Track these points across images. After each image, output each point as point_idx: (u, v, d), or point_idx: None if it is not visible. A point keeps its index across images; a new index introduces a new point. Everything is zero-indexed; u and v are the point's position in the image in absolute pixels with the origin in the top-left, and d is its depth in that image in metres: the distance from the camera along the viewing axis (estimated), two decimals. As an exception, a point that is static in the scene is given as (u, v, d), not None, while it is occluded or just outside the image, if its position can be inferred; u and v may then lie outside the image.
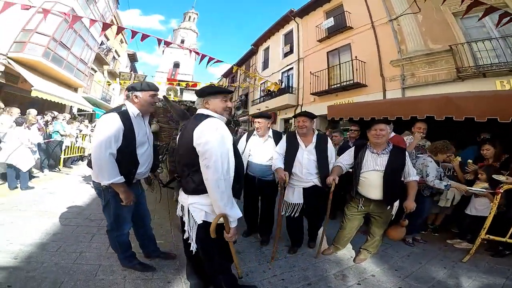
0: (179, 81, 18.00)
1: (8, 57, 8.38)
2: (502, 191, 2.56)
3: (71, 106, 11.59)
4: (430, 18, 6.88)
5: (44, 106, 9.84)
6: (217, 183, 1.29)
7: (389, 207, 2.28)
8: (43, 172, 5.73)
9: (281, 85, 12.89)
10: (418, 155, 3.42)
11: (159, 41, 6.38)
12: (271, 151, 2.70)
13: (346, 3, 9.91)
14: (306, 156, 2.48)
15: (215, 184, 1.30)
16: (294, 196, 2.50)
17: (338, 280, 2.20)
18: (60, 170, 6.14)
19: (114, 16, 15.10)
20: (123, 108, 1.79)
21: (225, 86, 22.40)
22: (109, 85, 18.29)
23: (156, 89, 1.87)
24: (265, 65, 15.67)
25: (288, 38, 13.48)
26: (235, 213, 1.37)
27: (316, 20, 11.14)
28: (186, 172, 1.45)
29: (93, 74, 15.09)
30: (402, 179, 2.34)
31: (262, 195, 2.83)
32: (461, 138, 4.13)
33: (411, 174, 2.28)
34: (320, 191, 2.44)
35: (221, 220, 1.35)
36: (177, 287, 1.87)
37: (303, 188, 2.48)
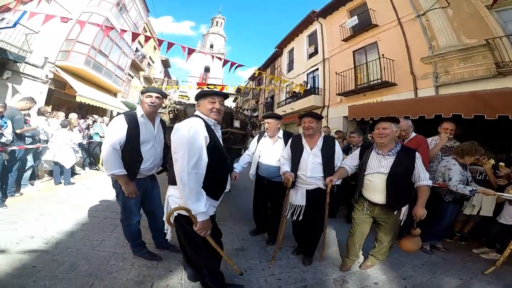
0: (208, 84, 18.81)
1: (56, 65, 9.23)
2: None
3: (111, 110, 12.62)
4: (461, 11, 6.32)
5: (89, 111, 11.02)
6: (181, 176, 1.38)
7: (396, 212, 2.12)
8: (84, 170, 6.45)
9: (306, 86, 12.70)
10: (444, 157, 3.16)
11: (183, 48, 6.72)
12: (280, 153, 2.70)
13: (370, 0, 9.51)
14: (311, 159, 2.39)
15: (179, 176, 1.39)
16: (297, 197, 2.45)
17: (337, 285, 2.14)
18: (99, 168, 6.77)
19: (146, 24, 16.10)
20: (133, 111, 2.03)
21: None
22: (145, 90, 19.81)
23: (153, 91, 2.05)
24: (290, 67, 15.54)
25: (312, 38, 13.24)
26: (196, 207, 1.38)
27: (340, 19, 10.84)
28: (170, 164, 1.60)
29: (130, 80, 16.40)
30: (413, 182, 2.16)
31: (271, 196, 2.85)
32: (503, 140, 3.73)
33: (422, 178, 2.07)
34: (323, 194, 2.34)
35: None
36: (176, 276, 2.01)
37: (307, 190, 2.41)
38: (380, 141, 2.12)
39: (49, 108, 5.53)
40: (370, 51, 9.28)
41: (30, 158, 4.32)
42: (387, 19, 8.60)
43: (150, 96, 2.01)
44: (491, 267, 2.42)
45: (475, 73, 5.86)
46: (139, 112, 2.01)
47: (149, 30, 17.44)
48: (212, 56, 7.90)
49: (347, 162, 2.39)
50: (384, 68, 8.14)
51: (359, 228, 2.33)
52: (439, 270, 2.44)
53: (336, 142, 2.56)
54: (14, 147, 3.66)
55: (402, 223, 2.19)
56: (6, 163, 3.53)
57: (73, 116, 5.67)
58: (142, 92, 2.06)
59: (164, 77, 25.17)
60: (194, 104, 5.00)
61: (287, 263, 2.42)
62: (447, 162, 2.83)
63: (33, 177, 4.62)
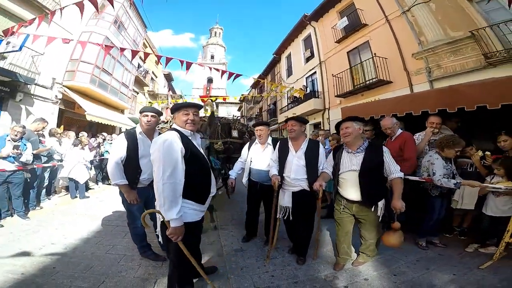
0: (210, 96, 19.30)
1: (64, 86, 9.46)
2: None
3: (120, 127, 12.88)
4: (442, 5, 6.46)
5: (99, 128, 11.47)
6: (157, 186, 1.53)
7: (373, 208, 2.17)
8: (97, 184, 6.84)
9: (306, 90, 12.84)
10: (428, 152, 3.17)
11: (181, 62, 6.98)
12: (269, 158, 2.84)
13: (357, 0, 9.73)
14: (295, 161, 2.51)
15: (156, 186, 1.55)
16: (285, 199, 2.56)
17: (327, 281, 2.20)
18: (110, 183, 7.18)
19: (145, 39, 16.49)
20: (134, 129, 2.33)
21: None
22: (151, 105, 20.36)
23: (148, 110, 2.34)
24: (289, 72, 15.72)
25: (308, 42, 13.46)
26: (168, 214, 1.52)
27: (331, 21, 11.04)
28: None
29: (135, 96, 16.93)
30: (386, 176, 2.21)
31: (265, 199, 2.97)
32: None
33: (392, 171, 2.15)
34: (307, 195, 2.43)
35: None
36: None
37: (292, 192, 2.53)
38: (345, 140, 2.27)
39: (59, 129, 5.88)
40: (363, 51, 9.43)
41: (46, 175, 4.70)
42: (375, 17, 8.77)
43: (146, 116, 2.30)
44: (487, 262, 2.38)
45: (466, 65, 5.94)
46: (138, 130, 2.31)
47: (149, 45, 17.97)
48: (210, 68, 8.22)
49: (327, 167, 2.46)
50: (378, 66, 8.28)
51: (341, 228, 2.37)
52: (433, 266, 2.42)
53: (321, 145, 2.65)
54: (34, 166, 4.05)
55: (380, 218, 2.22)
56: (28, 180, 3.93)
57: (83, 135, 6.07)
58: (140, 112, 2.36)
59: (169, 91, 25.80)
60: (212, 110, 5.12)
61: (282, 262, 2.54)
62: (430, 157, 2.86)
63: (49, 192, 5.01)
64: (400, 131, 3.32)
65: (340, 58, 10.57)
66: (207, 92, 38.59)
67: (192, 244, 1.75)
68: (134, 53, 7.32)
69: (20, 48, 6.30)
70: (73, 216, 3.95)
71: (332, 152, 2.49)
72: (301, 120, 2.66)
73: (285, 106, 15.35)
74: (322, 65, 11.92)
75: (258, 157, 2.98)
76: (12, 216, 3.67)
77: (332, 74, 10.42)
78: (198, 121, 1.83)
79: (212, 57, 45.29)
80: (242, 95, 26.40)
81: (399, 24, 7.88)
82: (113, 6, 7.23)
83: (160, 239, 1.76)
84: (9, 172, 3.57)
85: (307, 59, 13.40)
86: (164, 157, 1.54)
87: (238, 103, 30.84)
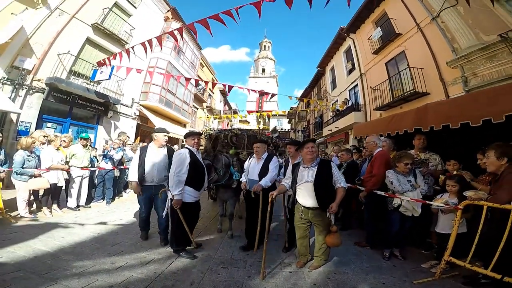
0: (256, 111, 20.74)
1: (140, 104, 11.81)
2: (461, 208, 2.43)
3: (182, 140, 14.97)
4: (471, 7, 5.82)
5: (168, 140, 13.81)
6: (170, 176, 2.77)
7: (328, 214, 2.53)
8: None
9: (348, 103, 12.69)
10: (414, 169, 3.18)
11: (224, 86, 8.23)
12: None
13: (389, 9, 9.50)
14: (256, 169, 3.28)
15: (170, 176, 2.80)
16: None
17: (275, 265, 2.75)
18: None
19: (202, 59, 18.80)
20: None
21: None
22: (208, 118, 22.99)
23: (161, 131, 3.45)
24: (334, 85, 15.65)
25: (349, 54, 13.40)
26: (173, 191, 2.71)
27: (368, 32, 10.91)
28: None
29: (195, 111, 19.61)
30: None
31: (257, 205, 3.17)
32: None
33: (339, 181, 2.58)
34: (256, 195, 2.98)
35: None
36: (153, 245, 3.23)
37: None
38: (310, 157, 2.66)
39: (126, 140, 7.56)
40: (400, 62, 9.11)
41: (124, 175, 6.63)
42: (408, 26, 8.49)
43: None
44: (427, 278, 2.49)
45: (503, 72, 5.36)
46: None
47: (205, 64, 20.36)
48: (248, 90, 9.25)
49: (285, 180, 2.95)
50: (414, 77, 7.94)
51: (299, 231, 2.79)
52: (374, 274, 2.59)
53: (274, 157, 3.34)
54: (121, 167, 5.96)
55: (333, 222, 2.59)
56: (117, 178, 5.84)
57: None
58: (156, 131, 3.41)
59: (224, 105, 28.54)
60: (217, 135, 6.08)
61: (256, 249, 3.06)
62: (386, 173, 3.12)
63: (125, 187, 6.95)
64: (378, 149, 3.57)
65: (379, 69, 10.37)
66: (260, 105, 40.70)
67: (187, 216, 2.87)
68: (187, 80, 9.14)
69: (109, 77, 8.64)
70: (131, 204, 5.47)
71: (291, 167, 2.96)
72: (263, 141, 3.48)
73: (330, 119, 15.13)
74: (363, 77, 11.78)
75: (253, 169, 3.40)
76: (102, 201, 5.53)
77: (370, 87, 10.29)
78: (199, 143, 3.01)
79: (263, 70, 46.90)
80: (291, 108, 27.17)
81: (431, 32, 7.51)
82: (177, 41, 9.30)
83: (164, 212, 2.93)
84: (106, 171, 5.49)
85: (349, 71, 13.32)
86: (177, 162, 2.79)
87: (286, 115, 31.69)
